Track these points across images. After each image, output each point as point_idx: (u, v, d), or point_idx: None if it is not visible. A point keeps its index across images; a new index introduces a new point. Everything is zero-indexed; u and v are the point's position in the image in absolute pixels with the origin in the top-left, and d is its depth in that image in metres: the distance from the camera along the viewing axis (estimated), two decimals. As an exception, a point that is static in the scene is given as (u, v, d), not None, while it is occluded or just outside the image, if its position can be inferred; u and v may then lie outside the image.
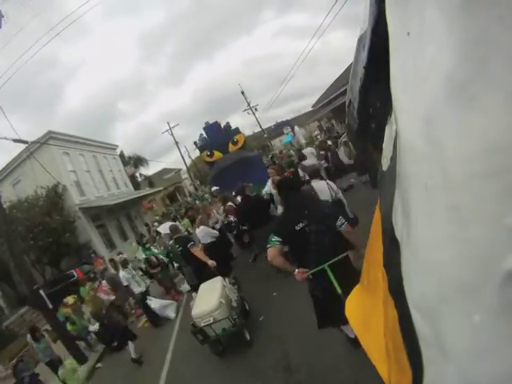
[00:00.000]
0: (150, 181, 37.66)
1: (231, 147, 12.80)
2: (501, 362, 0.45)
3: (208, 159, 13.18)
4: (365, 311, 1.11)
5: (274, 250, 2.67)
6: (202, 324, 3.88)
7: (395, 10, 0.59)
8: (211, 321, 3.83)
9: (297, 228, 2.63)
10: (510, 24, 0.39)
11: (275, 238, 2.67)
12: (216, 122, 13.98)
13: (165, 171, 47.67)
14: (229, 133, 13.41)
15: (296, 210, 2.75)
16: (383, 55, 0.65)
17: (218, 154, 12.75)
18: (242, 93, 30.84)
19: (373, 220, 1.03)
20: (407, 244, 0.64)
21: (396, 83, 0.62)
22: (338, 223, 2.59)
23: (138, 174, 35.58)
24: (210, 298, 4.05)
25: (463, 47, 0.43)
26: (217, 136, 13.30)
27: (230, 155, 12.36)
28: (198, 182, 40.71)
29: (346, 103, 1.07)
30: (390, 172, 0.76)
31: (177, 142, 33.38)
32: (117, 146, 26.37)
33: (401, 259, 0.67)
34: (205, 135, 14.01)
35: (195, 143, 14.50)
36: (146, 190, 27.43)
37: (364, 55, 0.81)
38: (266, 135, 33.51)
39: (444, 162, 0.48)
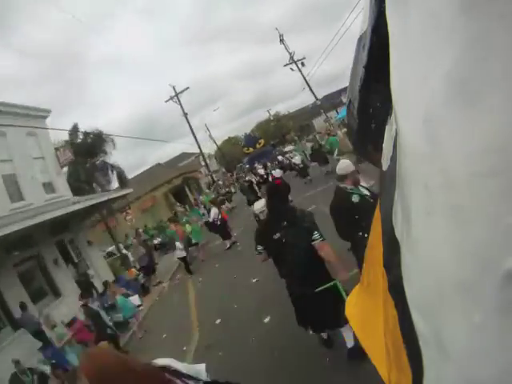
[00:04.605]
0: (121, 179, 20.88)
1: (257, 146, 33.25)
2: (501, 362, 0.44)
3: (247, 151, 33.81)
4: (365, 311, 1.11)
5: (260, 258, 3.00)
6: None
7: (395, 9, 0.59)
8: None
9: (274, 237, 2.69)
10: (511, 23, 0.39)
11: (259, 247, 2.91)
12: (250, 134, 34.69)
13: (184, 155, 39.04)
14: (256, 139, 34.13)
15: (277, 218, 2.80)
16: (383, 55, 0.65)
17: (250, 150, 33.38)
18: (281, 41, 23.69)
19: (373, 220, 1.03)
20: (407, 244, 0.64)
21: (396, 83, 0.62)
22: (314, 237, 2.60)
23: (110, 168, 20.40)
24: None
25: (463, 46, 0.43)
26: (250, 140, 34.32)
27: (256, 150, 32.58)
28: (224, 170, 40.23)
29: (346, 103, 1.07)
30: (390, 172, 0.76)
31: (185, 114, 25.63)
32: (48, 110, 12.22)
33: (401, 259, 0.67)
34: (244, 140, 34.61)
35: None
36: (110, 193, 14.01)
37: (364, 55, 0.81)
38: (318, 102, 26.68)
39: (444, 162, 0.48)
